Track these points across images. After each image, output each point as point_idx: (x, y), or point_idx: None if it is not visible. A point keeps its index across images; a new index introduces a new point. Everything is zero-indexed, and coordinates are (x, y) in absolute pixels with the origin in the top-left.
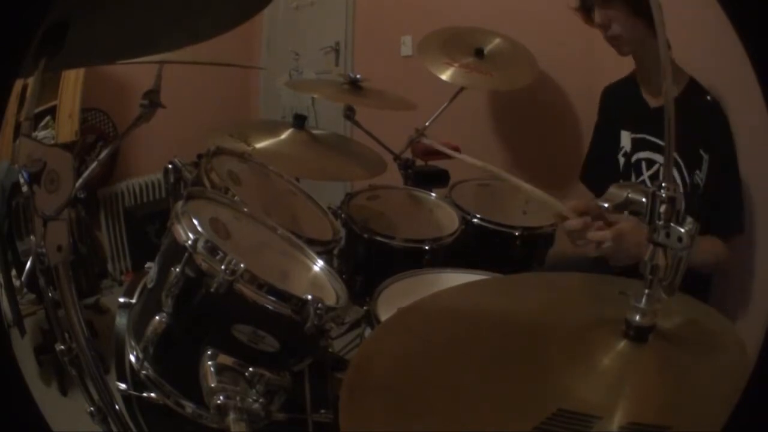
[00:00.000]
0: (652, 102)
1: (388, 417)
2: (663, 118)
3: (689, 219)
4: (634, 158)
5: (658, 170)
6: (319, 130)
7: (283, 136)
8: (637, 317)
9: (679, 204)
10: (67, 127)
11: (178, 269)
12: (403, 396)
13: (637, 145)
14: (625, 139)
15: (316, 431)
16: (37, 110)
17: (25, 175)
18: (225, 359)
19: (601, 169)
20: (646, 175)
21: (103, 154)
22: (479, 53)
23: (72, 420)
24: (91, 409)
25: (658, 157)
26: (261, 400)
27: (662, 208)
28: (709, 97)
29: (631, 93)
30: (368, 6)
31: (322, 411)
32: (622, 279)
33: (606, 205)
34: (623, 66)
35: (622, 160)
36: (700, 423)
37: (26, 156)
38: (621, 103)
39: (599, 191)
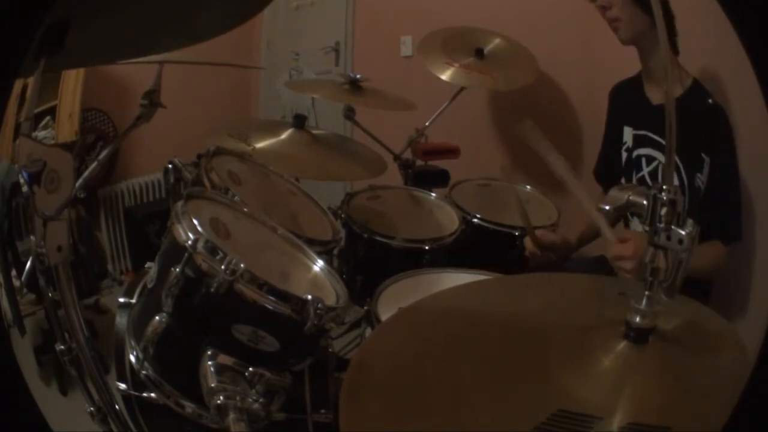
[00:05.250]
0: (655, 100)
1: (388, 417)
2: (664, 115)
3: (690, 221)
4: (634, 154)
5: (657, 167)
6: (319, 130)
7: (283, 136)
8: (638, 319)
9: (679, 206)
10: (67, 127)
11: (178, 269)
12: (403, 396)
13: (638, 141)
14: (628, 134)
15: (316, 431)
16: (37, 110)
17: (25, 175)
18: (225, 359)
19: (608, 164)
20: (645, 171)
21: (103, 154)
22: (479, 53)
23: (72, 420)
24: (91, 409)
25: (658, 154)
26: (261, 400)
27: (663, 211)
28: (710, 100)
29: (635, 90)
30: (368, 6)
31: (322, 411)
32: (622, 280)
33: (606, 207)
34: (623, 66)
35: (624, 155)
36: (700, 423)
37: (26, 156)
38: (625, 100)
39: (607, 186)
